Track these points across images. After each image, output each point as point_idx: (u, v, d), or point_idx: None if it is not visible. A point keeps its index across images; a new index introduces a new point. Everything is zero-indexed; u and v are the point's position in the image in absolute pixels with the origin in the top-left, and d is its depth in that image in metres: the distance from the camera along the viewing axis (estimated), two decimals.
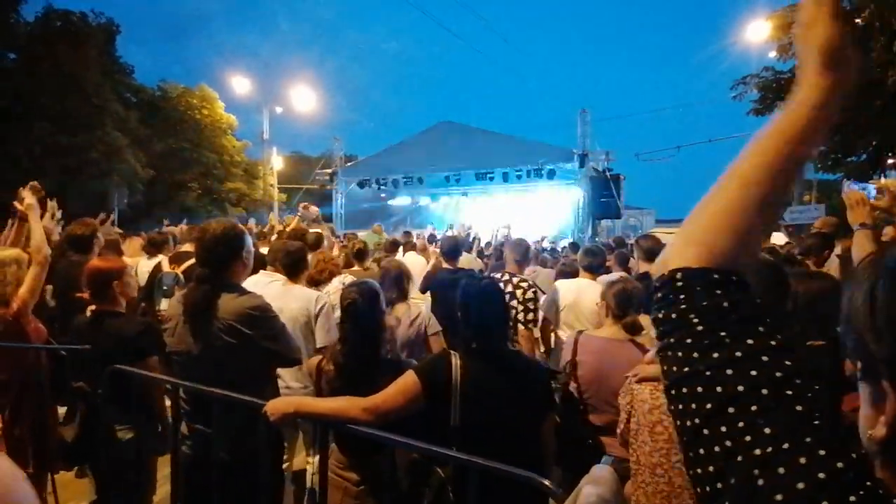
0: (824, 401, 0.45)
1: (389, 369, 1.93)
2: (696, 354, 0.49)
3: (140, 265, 4.50)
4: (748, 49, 11.91)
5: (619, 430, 1.85)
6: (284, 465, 2.76)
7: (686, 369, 0.49)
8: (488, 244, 9.16)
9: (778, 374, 0.46)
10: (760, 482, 0.41)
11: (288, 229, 5.82)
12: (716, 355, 0.48)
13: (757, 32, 10.93)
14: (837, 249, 3.27)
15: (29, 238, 2.84)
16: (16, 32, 18.18)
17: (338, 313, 2.33)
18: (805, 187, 17.30)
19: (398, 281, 3.07)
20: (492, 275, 4.09)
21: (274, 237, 5.77)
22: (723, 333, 0.49)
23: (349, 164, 19.04)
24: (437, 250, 5.75)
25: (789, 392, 0.45)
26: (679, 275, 0.54)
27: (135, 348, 2.35)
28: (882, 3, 7.87)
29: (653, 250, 3.85)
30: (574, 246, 7.84)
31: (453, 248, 4.50)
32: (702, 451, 0.46)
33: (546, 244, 11.61)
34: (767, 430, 0.43)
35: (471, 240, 7.67)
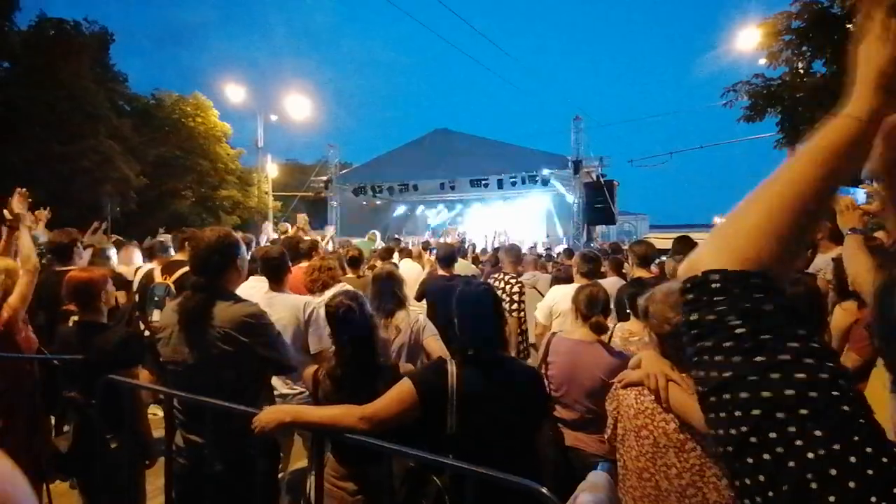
0: (863, 400, 0.45)
1: (388, 376, 1.92)
2: (737, 359, 0.47)
3: (138, 274, 4.46)
4: (739, 56, 12.03)
5: (606, 436, 1.86)
6: (280, 475, 2.73)
7: (727, 374, 0.48)
8: (483, 251, 9.16)
9: (823, 376, 0.45)
10: (813, 486, 0.40)
11: (283, 237, 5.79)
12: (760, 359, 0.46)
13: (747, 40, 11.04)
14: (833, 252, 3.28)
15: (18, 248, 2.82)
16: (9, 41, 18.07)
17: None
18: None
19: (393, 289, 2.98)
20: (488, 276, 4.17)
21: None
22: (766, 337, 0.47)
23: (344, 171, 19.03)
24: (433, 258, 5.75)
25: (835, 393, 0.44)
26: (716, 276, 0.52)
27: (120, 358, 2.35)
28: None
29: (646, 255, 3.88)
30: (569, 252, 7.85)
31: (449, 255, 4.50)
32: (750, 460, 0.44)
33: (541, 249, 11.63)
34: (818, 433, 0.42)
35: (466, 246, 7.68)
